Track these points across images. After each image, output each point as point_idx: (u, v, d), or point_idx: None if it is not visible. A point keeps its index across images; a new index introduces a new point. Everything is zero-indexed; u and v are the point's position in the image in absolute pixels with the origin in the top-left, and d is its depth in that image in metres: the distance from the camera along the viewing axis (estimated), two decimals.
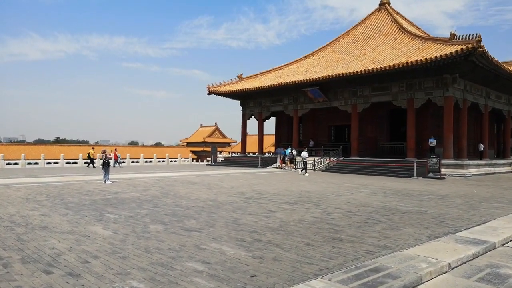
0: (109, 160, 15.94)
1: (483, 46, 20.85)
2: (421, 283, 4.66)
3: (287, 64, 37.84)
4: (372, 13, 36.78)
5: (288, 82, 30.70)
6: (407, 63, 23.24)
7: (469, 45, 20.91)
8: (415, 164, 21.66)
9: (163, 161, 46.22)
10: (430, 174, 21.74)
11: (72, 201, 10.69)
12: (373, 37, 33.37)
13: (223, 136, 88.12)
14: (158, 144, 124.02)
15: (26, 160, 35.35)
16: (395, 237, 6.76)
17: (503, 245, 6.65)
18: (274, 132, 40.68)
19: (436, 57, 22.03)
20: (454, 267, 5.40)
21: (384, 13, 35.31)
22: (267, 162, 32.70)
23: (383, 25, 34.07)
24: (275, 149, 39.24)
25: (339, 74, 26.76)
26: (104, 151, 15.99)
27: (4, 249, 5.64)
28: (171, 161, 46.79)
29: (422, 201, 11.80)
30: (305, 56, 37.47)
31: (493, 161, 28.73)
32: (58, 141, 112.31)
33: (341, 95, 30.00)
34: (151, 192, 12.99)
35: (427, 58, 22.41)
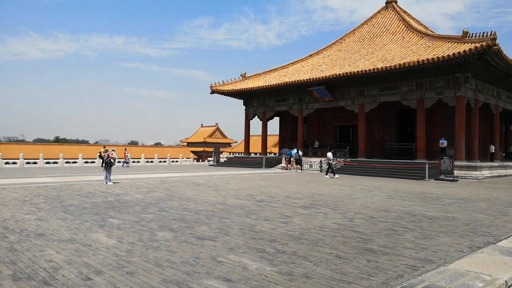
0: (111, 160, 15.19)
1: (498, 44, 20.15)
2: None
3: (292, 63, 37.13)
4: (379, 11, 36.06)
5: (293, 81, 29.98)
6: (418, 61, 22.52)
7: (484, 43, 20.20)
8: (427, 165, 20.93)
9: (164, 161, 45.49)
10: (442, 176, 21.03)
11: (72, 203, 9.97)
12: (380, 35, 32.66)
13: (224, 136, 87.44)
14: (157, 144, 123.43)
15: (25, 159, 34.60)
16: (433, 248, 6.04)
17: None
18: (275, 133, 39.96)
19: (449, 55, 21.32)
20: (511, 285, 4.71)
21: (391, 12, 34.60)
22: (271, 163, 31.97)
23: (390, 23, 33.36)
24: (279, 149, 38.56)
25: (346, 73, 26.05)
26: (106, 151, 15.24)
27: None
28: (172, 161, 46.08)
29: (444, 205, 11.08)
30: (310, 55, 36.76)
31: (505, 163, 28.01)
32: (57, 141, 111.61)
33: (348, 94, 29.28)
34: (156, 194, 12.27)
35: (439, 56, 21.70)
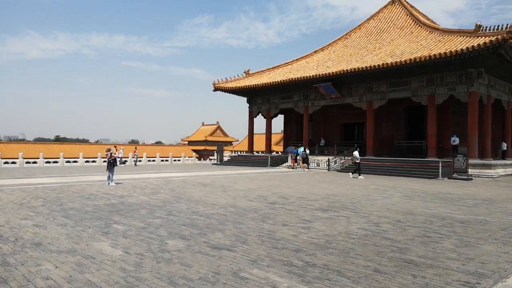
0: (115, 160, 14.48)
1: None
2: None
3: (296, 59, 36.39)
4: (385, 6, 35.27)
5: (299, 77, 29.24)
6: (429, 56, 21.78)
7: (499, 36, 19.45)
8: (440, 164, 20.20)
9: (166, 160, 44.79)
10: (455, 175, 20.32)
11: (73, 207, 9.28)
12: (387, 30, 31.89)
13: (225, 134, 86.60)
14: (158, 143, 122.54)
15: (25, 159, 33.94)
16: (480, 259, 5.34)
17: None
18: (276, 131, 39.15)
19: (462, 49, 20.57)
20: None
21: (398, 6, 33.81)
22: (277, 161, 31.25)
23: (397, 18, 32.59)
24: (283, 147, 37.84)
25: (354, 68, 25.30)
26: (109, 150, 14.54)
27: None
28: (174, 160, 45.37)
29: (469, 207, 10.38)
30: (315, 51, 36.01)
31: None
32: (58, 140, 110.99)
33: (356, 91, 28.54)
34: (161, 196, 11.58)
35: (452, 50, 20.95)
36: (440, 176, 20.05)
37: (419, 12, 33.71)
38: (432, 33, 26.95)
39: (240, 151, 67.56)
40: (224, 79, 36.58)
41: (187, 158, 48.46)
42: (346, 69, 25.75)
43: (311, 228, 7.20)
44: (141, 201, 10.46)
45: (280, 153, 43.82)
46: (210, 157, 54.70)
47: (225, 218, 8.15)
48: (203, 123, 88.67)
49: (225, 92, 36.72)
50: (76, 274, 4.43)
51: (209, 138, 79.47)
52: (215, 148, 69.77)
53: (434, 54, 21.62)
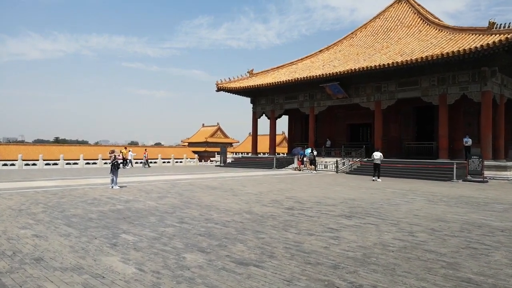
0: (119, 162, 13.76)
1: None
2: None
3: (301, 59, 35.71)
4: (391, 5, 34.62)
5: (305, 77, 28.55)
6: (442, 54, 21.11)
7: None
8: (455, 166, 19.51)
9: (168, 162, 44.07)
10: (469, 177, 19.64)
11: (76, 213, 8.57)
12: (395, 29, 31.24)
13: (225, 136, 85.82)
14: (157, 144, 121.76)
15: (24, 160, 33.23)
16: None
17: None
18: (277, 132, 38.16)
19: (476, 47, 19.90)
20: None
21: (404, 5, 33.16)
22: (282, 163, 30.55)
23: (404, 17, 31.95)
24: (288, 149, 37.16)
25: (363, 67, 24.62)
26: (112, 151, 13.82)
27: None
28: (176, 162, 44.65)
29: (500, 212, 9.70)
30: (320, 51, 35.35)
31: None
32: (57, 141, 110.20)
33: (363, 91, 27.86)
34: (169, 201, 10.87)
35: (466, 48, 20.29)
36: (454, 178, 19.37)
37: (426, 10, 33.05)
38: (441, 31, 26.29)
39: (241, 152, 66.84)
40: (227, 79, 35.89)
41: (189, 159, 47.74)
42: (354, 68, 25.07)
43: (340, 239, 6.50)
44: (149, 206, 9.76)
45: (282, 154, 43.13)
46: (211, 159, 53.93)
47: (242, 226, 7.45)
48: (203, 124, 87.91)
49: (228, 92, 36.03)
50: None
51: (210, 140, 78.72)
52: (215, 149, 69.15)
53: (447, 52, 20.95)
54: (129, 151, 34.56)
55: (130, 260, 5.10)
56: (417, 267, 4.99)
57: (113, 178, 13.70)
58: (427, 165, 22.03)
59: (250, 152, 61.57)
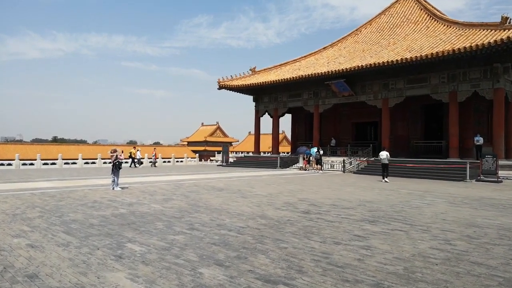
0: (121, 162, 13.02)
1: None
2: None
3: (304, 56, 35.04)
4: (397, 1, 33.94)
5: (309, 74, 27.86)
6: (453, 50, 20.44)
7: None
8: (468, 165, 18.84)
9: (168, 161, 43.36)
10: (481, 177, 18.99)
11: (75, 219, 7.87)
12: (401, 25, 30.56)
13: (225, 135, 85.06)
14: (156, 144, 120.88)
15: (21, 160, 32.48)
16: None
17: None
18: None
19: (489, 43, 19.24)
20: None
21: (410, 1, 32.46)
22: (286, 162, 29.86)
23: (410, 13, 31.26)
24: (291, 148, 36.52)
25: (370, 64, 23.94)
26: (114, 151, 13.08)
27: None
28: (176, 161, 43.93)
29: None
30: (324, 48, 34.66)
31: None
32: (55, 141, 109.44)
33: (370, 88, 27.18)
34: (176, 203, 10.17)
35: (479, 44, 19.63)
36: (467, 178, 18.71)
37: (433, 6, 32.38)
38: (450, 27, 25.63)
39: (241, 152, 66.12)
40: (229, 77, 35.18)
41: (189, 159, 47.03)
42: (362, 65, 24.39)
43: (372, 248, 5.81)
44: (154, 210, 9.06)
45: (283, 154, 42.45)
46: (211, 158, 53.21)
47: (259, 233, 6.75)
48: (202, 123, 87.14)
49: (230, 90, 35.34)
50: None
51: (209, 139, 78.03)
52: (215, 148, 68.46)
53: (458, 48, 20.28)
54: (138, 150, 34.02)
55: (139, 277, 4.40)
56: (472, 284, 4.30)
57: (114, 179, 13.00)
58: (438, 165, 21.36)
59: (250, 152, 60.88)
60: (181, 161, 44.89)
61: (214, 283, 4.23)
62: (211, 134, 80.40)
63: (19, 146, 53.34)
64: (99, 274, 4.48)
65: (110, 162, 13.21)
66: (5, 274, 4.45)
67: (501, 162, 20.65)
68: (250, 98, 36.88)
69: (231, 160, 36.53)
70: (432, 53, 21.22)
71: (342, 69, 25.75)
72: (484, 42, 19.56)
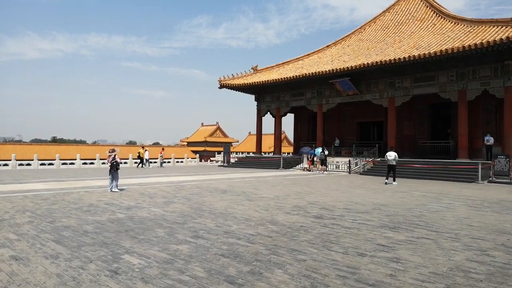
0: (118, 162, 12.30)
1: None
2: None
3: (307, 54, 34.34)
4: None
5: (313, 72, 27.16)
6: (463, 47, 19.76)
7: None
8: (480, 166, 18.17)
9: (168, 162, 42.64)
10: (494, 178, 18.32)
11: (68, 225, 7.18)
12: (406, 23, 29.89)
13: (225, 135, 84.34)
14: (156, 144, 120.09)
15: (18, 160, 31.79)
16: None
17: None
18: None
19: (501, 39, 18.56)
20: None
21: None
22: (289, 163, 29.14)
23: (416, 10, 30.59)
24: (294, 149, 35.83)
25: (377, 62, 23.25)
26: (113, 151, 12.37)
27: None
28: (176, 162, 43.22)
29: None
30: (327, 46, 33.98)
31: None
32: (54, 141, 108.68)
33: (376, 87, 26.49)
34: (177, 207, 9.48)
35: (490, 41, 18.95)
36: (479, 179, 18.04)
37: (439, 4, 31.72)
38: (458, 24, 24.96)
39: (241, 152, 65.39)
40: (231, 75, 34.48)
41: (189, 159, 46.31)
42: (368, 63, 23.70)
43: (402, 261, 5.12)
44: (155, 215, 8.36)
45: (285, 154, 41.75)
46: (211, 158, 52.49)
47: (272, 242, 6.07)
48: (202, 123, 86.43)
49: (231, 89, 34.64)
50: None
51: (209, 139, 77.38)
52: (215, 149, 67.75)
53: (469, 45, 19.61)
54: (146, 150, 33.45)
55: None
56: None
57: (112, 180, 12.30)
58: (447, 165, 20.68)
59: (251, 152, 60.15)
60: (181, 162, 44.18)
61: None
62: (211, 135, 79.72)
63: (17, 147, 52.63)
64: None
65: (108, 162, 12.46)
66: None
67: None
68: (250, 98, 36.23)
69: (232, 160, 35.83)
70: (441, 50, 20.54)
71: (347, 67, 25.06)
72: (496, 39, 18.89)
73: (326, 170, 24.24)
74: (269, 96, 34.15)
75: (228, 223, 7.56)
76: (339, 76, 26.41)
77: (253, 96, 36.06)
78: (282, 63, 34.83)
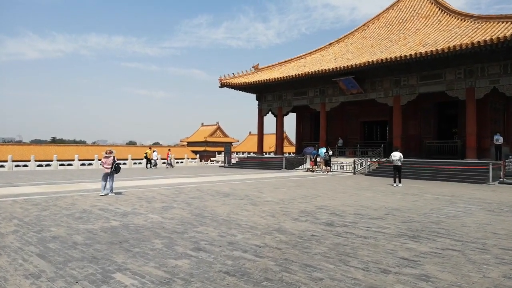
0: (117, 165, 11.59)
1: None
2: None
3: (309, 53, 33.70)
4: None
5: (316, 71, 26.52)
6: (472, 44, 19.13)
7: None
8: (490, 166, 17.54)
9: (181, 162, 41.98)
10: (504, 179, 17.70)
11: (56, 235, 6.55)
12: (411, 20, 29.25)
13: (225, 135, 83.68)
14: (156, 144, 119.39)
15: (16, 161, 31.17)
16: None
17: None
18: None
19: None
20: None
21: None
22: (292, 164, 28.51)
23: (420, 7, 29.94)
24: (296, 149, 35.20)
25: (382, 59, 22.61)
26: (110, 152, 11.68)
27: None
28: (176, 162, 42.58)
29: None
30: (330, 44, 33.34)
31: None
32: (54, 141, 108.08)
33: (380, 85, 25.84)
34: (177, 213, 8.85)
35: (500, 37, 18.33)
36: (490, 180, 17.41)
37: (444, 0, 31.08)
38: (465, 21, 24.32)
39: (242, 152, 64.73)
40: (231, 74, 33.84)
41: (190, 159, 45.70)
42: (373, 60, 23.05)
43: (432, 279, 4.48)
44: (152, 222, 7.73)
45: (287, 154, 41.11)
46: (211, 159, 51.85)
47: (282, 255, 5.43)
48: (202, 123, 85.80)
49: (232, 88, 34.00)
50: None
51: (209, 139, 76.78)
52: (215, 149, 67.09)
53: (478, 41, 18.97)
54: (154, 151, 32.93)
55: None
56: None
57: (104, 184, 11.64)
58: (455, 166, 20.05)
59: (251, 152, 59.50)
60: (181, 162, 43.57)
61: None
62: (211, 134, 79.11)
63: (16, 147, 51.94)
64: None
65: (105, 165, 11.70)
66: None
67: None
68: (251, 97, 35.71)
69: (233, 161, 35.21)
70: (449, 47, 19.91)
71: (352, 65, 24.42)
72: (507, 35, 18.25)
73: (330, 171, 23.60)
74: (271, 95, 33.52)
75: (232, 232, 6.93)
76: (343, 75, 25.77)
77: (253, 96, 35.44)
78: (284, 62, 34.19)
